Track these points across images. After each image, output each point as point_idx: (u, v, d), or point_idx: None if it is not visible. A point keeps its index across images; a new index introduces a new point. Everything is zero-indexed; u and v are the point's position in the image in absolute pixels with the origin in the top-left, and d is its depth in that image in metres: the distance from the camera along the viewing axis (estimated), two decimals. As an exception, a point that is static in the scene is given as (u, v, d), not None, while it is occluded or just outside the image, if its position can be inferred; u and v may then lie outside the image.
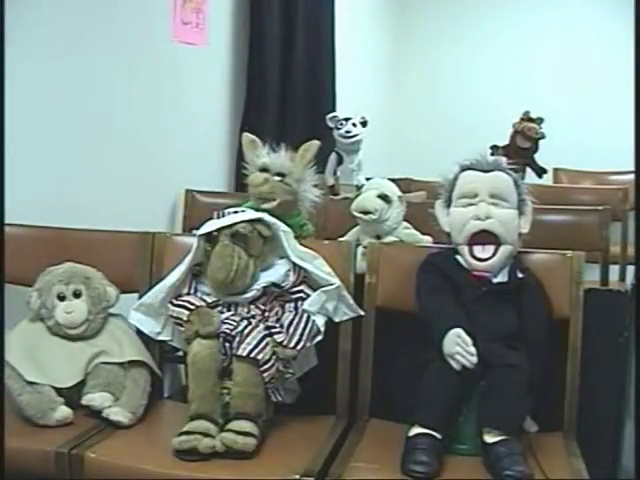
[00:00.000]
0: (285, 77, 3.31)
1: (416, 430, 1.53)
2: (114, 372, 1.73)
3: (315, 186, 1.96)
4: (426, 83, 5.01)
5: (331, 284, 1.73)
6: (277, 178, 1.88)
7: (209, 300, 1.70)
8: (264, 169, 1.90)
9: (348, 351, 1.78)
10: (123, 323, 1.83)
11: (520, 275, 1.69)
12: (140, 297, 1.83)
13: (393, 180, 2.18)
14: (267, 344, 1.61)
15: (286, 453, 1.58)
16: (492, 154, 2.66)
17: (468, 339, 1.55)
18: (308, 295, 1.71)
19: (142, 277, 1.90)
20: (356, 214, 2.08)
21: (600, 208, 2.60)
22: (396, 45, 5.02)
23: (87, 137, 2.33)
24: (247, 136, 1.98)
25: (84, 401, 1.68)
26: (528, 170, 3.20)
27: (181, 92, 2.81)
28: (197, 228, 1.78)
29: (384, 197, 2.06)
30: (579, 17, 4.71)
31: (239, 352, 1.59)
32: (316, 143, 1.95)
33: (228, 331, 1.63)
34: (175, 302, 1.71)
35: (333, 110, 3.40)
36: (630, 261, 2.61)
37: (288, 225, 1.81)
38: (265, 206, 1.85)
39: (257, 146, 1.95)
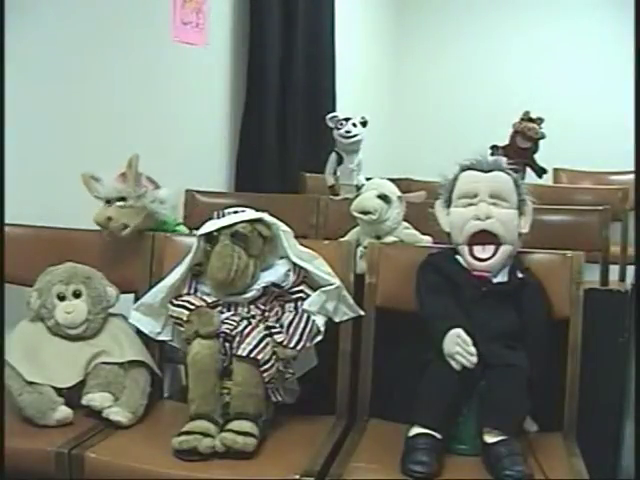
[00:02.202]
0: (285, 77, 3.31)
1: (416, 430, 1.53)
2: (114, 372, 1.73)
3: (157, 187, 1.95)
4: (426, 83, 5.01)
5: (331, 284, 1.73)
6: (119, 204, 1.88)
7: (209, 300, 1.70)
8: (107, 201, 1.90)
9: (348, 351, 1.78)
10: (123, 323, 1.83)
11: (520, 275, 1.69)
12: (140, 297, 1.83)
13: (393, 180, 2.18)
14: (267, 344, 1.61)
15: (286, 453, 1.58)
16: (492, 154, 2.66)
17: (468, 339, 1.55)
18: (308, 295, 1.71)
19: (142, 277, 1.90)
20: (356, 214, 2.07)
21: (600, 208, 2.59)
22: (396, 45, 5.02)
23: (87, 137, 2.33)
24: (85, 175, 1.92)
25: (84, 401, 1.68)
26: (528, 170, 3.20)
27: (181, 92, 2.81)
28: (197, 228, 1.78)
29: (384, 197, 2.05)
30: (579, 17, 4.71)
31: (239, 352, 1.59)
32: (135, 155, 1.91)
33: (228, 331, 1.63)
34: (175, 302, 1.71)
35: (333, 110, 3.40)
36: (630, 261, 2.61)
37: None
38: (123, 234, 1.87)
39: (96, 180, 1.92)
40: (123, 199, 1.89)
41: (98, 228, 1.96)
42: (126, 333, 1.81)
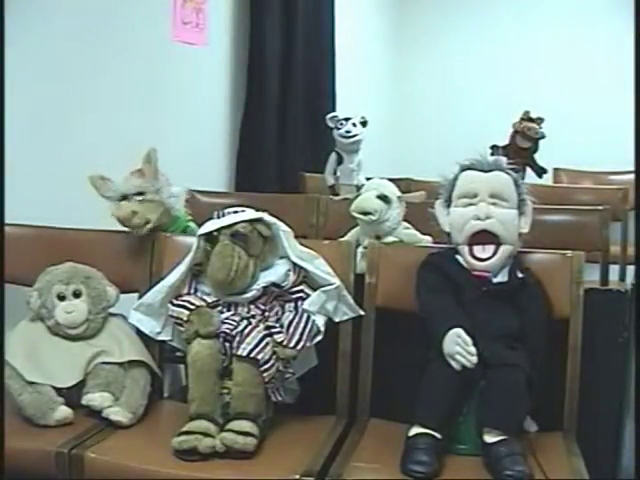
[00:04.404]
0: (285, 77, 3.31)
1: (416, 430, 1.54)
2: (114, 372, 1.73)
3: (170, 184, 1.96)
4: (426, 83, 5.01)
5: (331, 284, 1.73)
6: (138, 198, 1.88)
7: (209, 300, 1.70)
8: (124, 197, 1.89)
9: (348, 351, 1.78)
10: (123, 323, 1.83)
11: (520, 275, 1.69)
12: (140, 297, 1.83)
13: (393, 180, 2.18)
14: (267, 344, 1.61)
15: (286, 453, 1.58)
16: (492, 154, 2.66)
17: (468, 339, 1.55)
18: (308, 295, 1.71)
19: (142, 277, 1.90)
20: (355, 215, 2.07)
21: (600, 208, 2.60)
22: (396, 45, 5.02)
23: (87, 137, 2.33)
24: (93, 177, 1.92)
25: (84, 401, 1.68)
26: (528, 170, 3.20)
27: (181, 92, 2.81)
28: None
29: (383, 198, 2.05)
30: (579, 17, 4.71)
31: (239, 352, 1.59)
32: (153, 149, 1.92)
33: (228, 331, 1.63)
34: (175, 302, 1.71)
35: (333, 110, 3.40)
36: (630, 261, 2.61)
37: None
38: (144, 231, 1.87)
39: (107, 180, 1.92)
40: (141, 194, 1.89)
41: (98, 228, 1.97)
42: (126, 333, 1.81)
